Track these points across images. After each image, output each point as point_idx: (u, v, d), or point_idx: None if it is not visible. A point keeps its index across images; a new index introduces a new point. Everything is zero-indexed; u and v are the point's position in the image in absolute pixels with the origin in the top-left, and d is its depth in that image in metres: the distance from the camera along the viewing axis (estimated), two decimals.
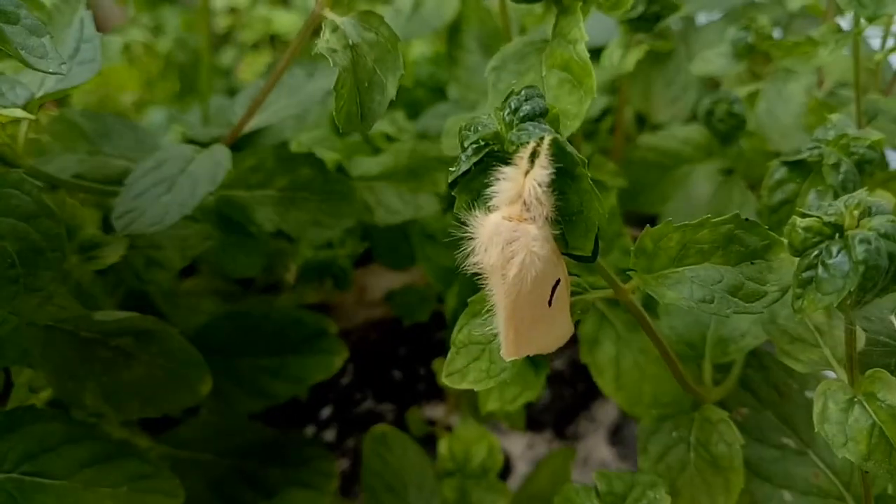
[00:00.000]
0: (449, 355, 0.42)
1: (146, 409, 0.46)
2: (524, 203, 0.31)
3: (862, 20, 0.54)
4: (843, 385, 0.39)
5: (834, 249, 0.34)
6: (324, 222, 0.52)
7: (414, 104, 0.93)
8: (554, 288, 0.35)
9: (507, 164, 0.32)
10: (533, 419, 0.89)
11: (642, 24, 0.65)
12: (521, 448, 0.86)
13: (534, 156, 0.31)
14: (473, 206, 0.33)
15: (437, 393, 0.78)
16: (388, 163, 0.62)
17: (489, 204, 0.32)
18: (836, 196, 0.50)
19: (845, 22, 0.60)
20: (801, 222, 0.34)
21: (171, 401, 0.46)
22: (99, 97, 0.85)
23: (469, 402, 0.67)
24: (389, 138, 0.73)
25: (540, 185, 0.31)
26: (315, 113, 0.66)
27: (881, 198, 0.60)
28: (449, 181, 0.33)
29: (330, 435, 0.77)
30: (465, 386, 0.42)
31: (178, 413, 0.61)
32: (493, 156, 0.33)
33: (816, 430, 0.38)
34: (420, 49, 0.99)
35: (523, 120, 0.32)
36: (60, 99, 0.72)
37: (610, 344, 0.55)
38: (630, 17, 0.64)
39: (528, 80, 0.43)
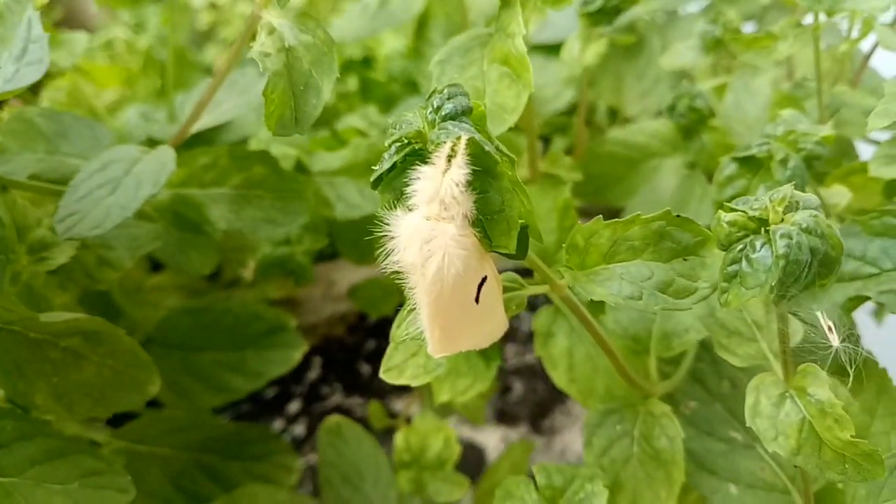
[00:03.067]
0: (388, 351, 0.43)
1: (96, 408, 0.46)
2: (442, 202, 0.31)
3: (821, 14, 0.55)
4: (776, 380, 0.40)
5: (758, 244, 0.34)
6: (277, 220, 0.52)
7: (388, 99, 0.93)
8: (480, 286, 0.36)
9: (428, 163, 0.32)
10: (507, 413, 0.89)
11: (602, 17, 0.65)
12: (496, 441, 0.86)
13: (452, 155, 0.31)
14: (397, 204, 0.33)
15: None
16: (348, 157, 0.62)
17: (409, 203, 0.32)
18: None
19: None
20: (725, 217, 0.35)
21: (120, 400, 0.46)
22: (69, 95, 0.85)
23: (431, 396, 0.67)
24: (361, 134, 0.73)
25: (457, 184, 0.31)
26: None
27: (838, 191, 0.61)
28: (371, 179, 0.33)
29: (299, 429, 0.77)
30: (402, 381, 0.42)
31: (139, 409, 0.62)
32: (417, 154, 0.33)
33: (748, 424, 0.39)
34: (393, 44, 0.99)
35: (445, 118, 0.33)
36: (28, 97, 0.73)
37: (563, 337, 0.55)
38: (589, 10, 0.64)
39: (470, 74, 0.43)
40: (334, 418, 0.58)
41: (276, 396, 0.77)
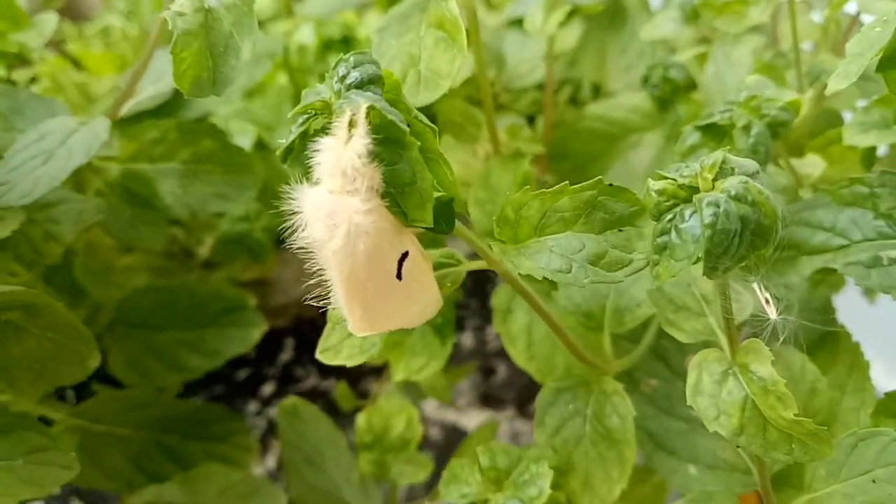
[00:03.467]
0: (325, 331, 0.42)
1: (39, 382, 0.46)
2: (344, 174, 0.30)
3: None
4: (720, 356, 0.38)
5: (686, 213, 0.32)
6: (227, 194, 0.51)
7: None
8: (401, 261, 0.34)
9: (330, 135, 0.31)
10: (492, 396, 0.88)
11: None
12: (479, 424, 0.86)
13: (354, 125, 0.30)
14: (306, 178, 0.32)
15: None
16: None
17: (314, 178, 0.31)
18: None
19: None
20: (654, 185, 0.33)
21: (62, 374, 0.46)
22: (51, 81, 0.84)
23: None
24: None
25: (358, 155, 0.30)
26: (240, 84, 0.65)
27: (811, 161, 0.58)
28: (278, 153, 0.32)
29: (274, 412, 0.77)
30: (338, 362, 0.41)
31: (98, 387, 0.61)
32: (325, 127, 0.32)
33: (689, 402, 0.37)
34: (376, 23, 0.97)
35: (350, 87, 0.31)
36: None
37: (523, 314, 0.54)
38: None
39: (406, 40, 0.42)
40: (291, 399, 0.57)
41: (249, 378, 0.76)
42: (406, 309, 0.37)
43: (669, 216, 0.33)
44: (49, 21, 0.67)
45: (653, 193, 0.33)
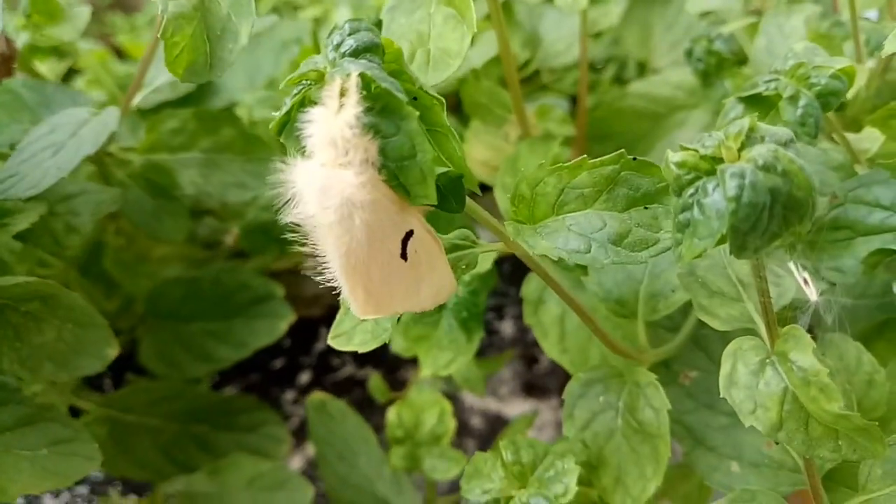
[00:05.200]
0: (338, 316, 0.40)
1: (59, 372, 0.46)
2: (336, 146, 0.28)
3: None
4: (757, 344, 0.35)
5: (709, 187, 0.29)
6: (247, 183, 0.50)
7: None
8: (405, 240, 0.32)
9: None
10: (536, 386, 0.86)
11: None
12: (522, 414, 0.83)
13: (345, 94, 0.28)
14: (300, 153, 0.30)
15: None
16: None
17: (306, 150, 0.29)
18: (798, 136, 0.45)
19: None
20: (674, 157, 0.30)
21: (81, 364, 0.46)
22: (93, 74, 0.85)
23: None
24: None
25: (349, 126, 0.28)
26: (265, 72, 0.64)
27: (869, 135, 0.54)
28: (271, 126, 0.30)
29: None
30: (351, 348, 0.40)
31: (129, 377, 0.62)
32: (319, 98, 0.30)
33: (723, 394, 0.34)
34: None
35: (345, 56, 0.29)
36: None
37: (554, 304, 0.51)
38: None
39: (416, 18, 0.40)
40: (318, 395, 0.56)
41: (285, 368, 0.76)
42: (415, 292, 0.35)
43: (691, 191, 0.30)
44: (83, 14, 0.67)
45: (672, 166, 0.30)
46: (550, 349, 0.51)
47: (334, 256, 0.31)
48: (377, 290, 0.33)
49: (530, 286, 0.52)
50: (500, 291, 0.86)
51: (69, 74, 0.78)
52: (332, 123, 0.28)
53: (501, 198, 0.53)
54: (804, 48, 0.47)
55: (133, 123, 0.55)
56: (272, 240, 0.60)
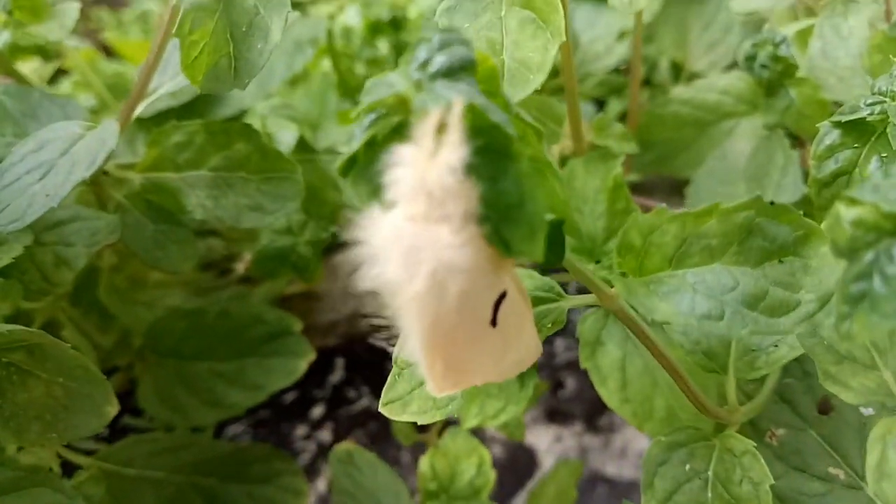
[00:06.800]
0: (389, 378, 0.34)
1: (49, 432, 0.39)
2: (430, 196, 0.22)
3: None
4: None
5: None
6: (265, 206, 0.43)
7: None
8: (498, 304, 0.26)
9: (410, 141, 0.22)
10: (560, 411, 0.81)
11: None
12: (548, 442, 0.79)
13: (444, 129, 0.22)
14: (375, 198, 0.24)
15: None
16: None
17: (388, 199, 0.23)
18: None
19: None
20: (847, 213, 0.24)
21: (76, 424, 0.39)
22: (80, 75, 0.78)
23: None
24: None
25: (451, 171, 0.21)
26: (278, 75, 0.57)
27: None
28: (338, 166, 0.24)
29: (325, 436, 0.70)
30: (406, 418, 0.33)
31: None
32: (398, 130, 0.23)
33: (871, 490, 0.28)
34: (428, 1, 0.89)
35: (435, 77, 0.23)
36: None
37: (615, 346, 0.45)
38: None
39: (483, 22, 0.33)
40: (343, 446, 0.50)
41: (297, 401, 0.69)
42: (499, 360, 0.29)
43: (870, 255, 0.23)
44: (71, 11, 0.60)
45: (846, 225, 0.24)
46: (610, 398, 0.45)
47: (415, 327, 0.24)
48: (459, 363, 0.27)
49: (588, 325, 0.46)
50: None
51: (55, 75, 0.71)
52: (427, 168, 0.21)
53: None
54: None
55: (131, 136, 0.48)
56: (289, 267, 0.53)
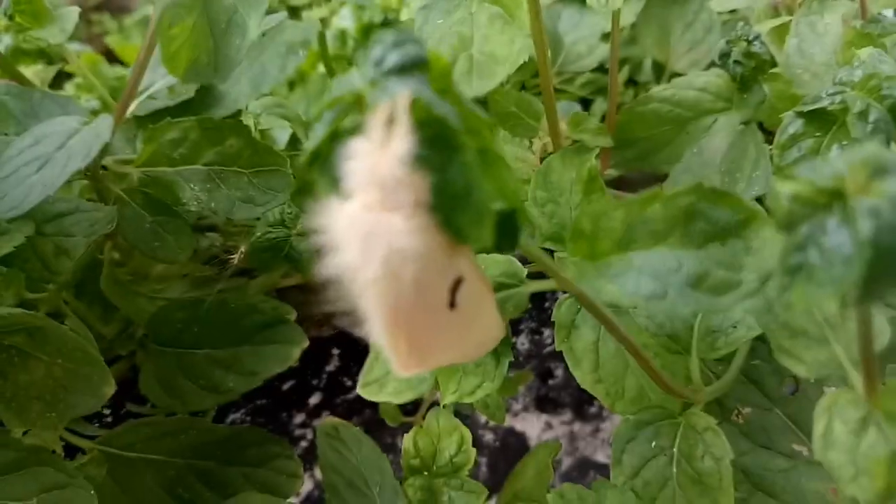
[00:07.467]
0: (367, 362, 0.36)
1: (49, 412, 0.41)
2: (382, 186, 0.24)
3: None
4: (854, 398, 0.31)
5: (831, 225, 0.25)
6: (256, 199, 0.46)
7: None
8: (455, 288, 0.28)
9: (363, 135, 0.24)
10: (549, 400, 0.83)
11: None
12: (539, 430, 0.81)
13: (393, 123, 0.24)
14: (335, 190, 0.26)
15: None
16: None
17: (344, 189, 0.25)
18: None
19: None
20: (785, 188, 0.26)
21: (74, 404, 0.42)
22: (83, 78, 0.80)
23: None
24: None
25: (400, 161, 0.23)
26: (271, 79, 0.59)
27: None
28: (302, 160, 0.26)
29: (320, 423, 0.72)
30: (382, 398, 0.36)
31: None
32: (359, 125, 0.25)
33: (818, 457, 0.30)
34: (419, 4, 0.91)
35: (389, 75, 0.25)
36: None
37: (588, 329, 0.47)
38: None
39: (456, 18, 0.35)
40: (329, 420, 0.52)
41: (294, 389, 0.71)
42: (461, 341, 0.31)
43: (807, 228, 0.25)
44: (71, 15, 0.62)
45: (784, 199, 0.25)
46: (584, 378, 0.47)
47: (375, 310, 0.26)
48: (421, 344, 0.29)
49: (563, 311, 0.48)
50: None
51: (58, 79, 0.73)
52: (379, 158, 0.23)
53: (533, 213, 0.48)
54: (870, 54, 0.43)
55: (129, 133, 0.50)
56: (282, 258, 0.56)
